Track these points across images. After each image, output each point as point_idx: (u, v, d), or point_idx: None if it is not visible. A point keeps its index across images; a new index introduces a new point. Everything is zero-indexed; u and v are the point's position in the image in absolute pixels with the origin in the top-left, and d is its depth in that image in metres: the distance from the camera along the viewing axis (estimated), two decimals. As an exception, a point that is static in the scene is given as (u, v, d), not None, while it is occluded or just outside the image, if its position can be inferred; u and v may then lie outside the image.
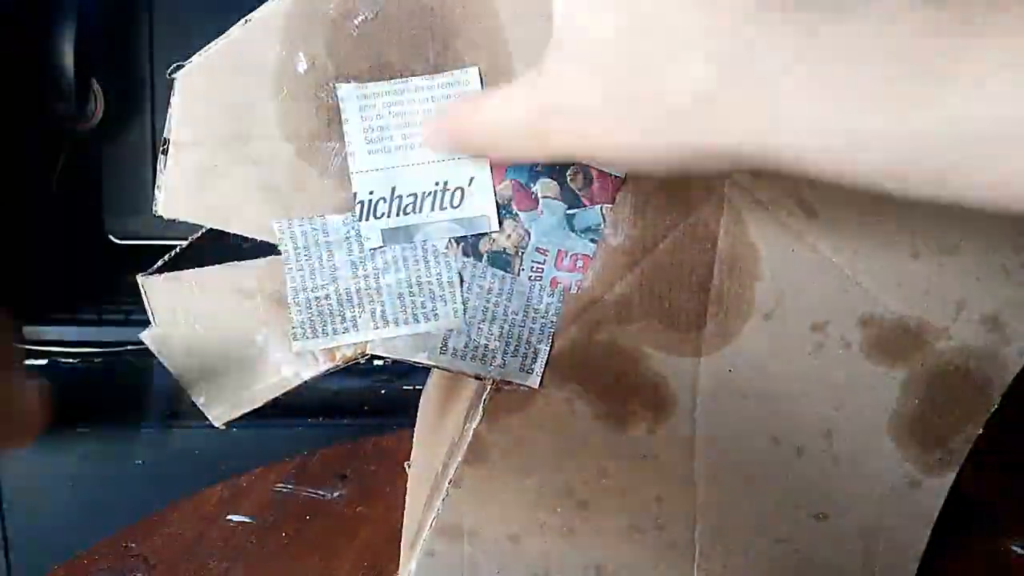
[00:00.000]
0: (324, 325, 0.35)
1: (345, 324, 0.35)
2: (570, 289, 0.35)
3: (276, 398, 0.36)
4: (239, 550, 0.48)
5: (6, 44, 0.82)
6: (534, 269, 0.35)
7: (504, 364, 0.36)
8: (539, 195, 0.34)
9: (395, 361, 0.36)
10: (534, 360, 0.36)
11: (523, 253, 0.34)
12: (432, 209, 0.34)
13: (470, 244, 0.34)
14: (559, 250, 0.34)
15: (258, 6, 0.32)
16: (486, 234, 0.34)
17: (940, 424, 0.37)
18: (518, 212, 0.34)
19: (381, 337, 0.35)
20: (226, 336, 0.35)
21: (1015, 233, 0.34)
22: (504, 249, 0.34)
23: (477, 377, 0.36)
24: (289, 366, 0.35)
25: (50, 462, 0.82)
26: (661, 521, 0.39)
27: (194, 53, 0.32)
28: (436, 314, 0.35)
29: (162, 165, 0.32)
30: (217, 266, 0.35)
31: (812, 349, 0.36)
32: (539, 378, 0.36)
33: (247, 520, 0.51)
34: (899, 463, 0.38)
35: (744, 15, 0.23)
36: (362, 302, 0.35)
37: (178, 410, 0.82)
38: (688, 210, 0.34)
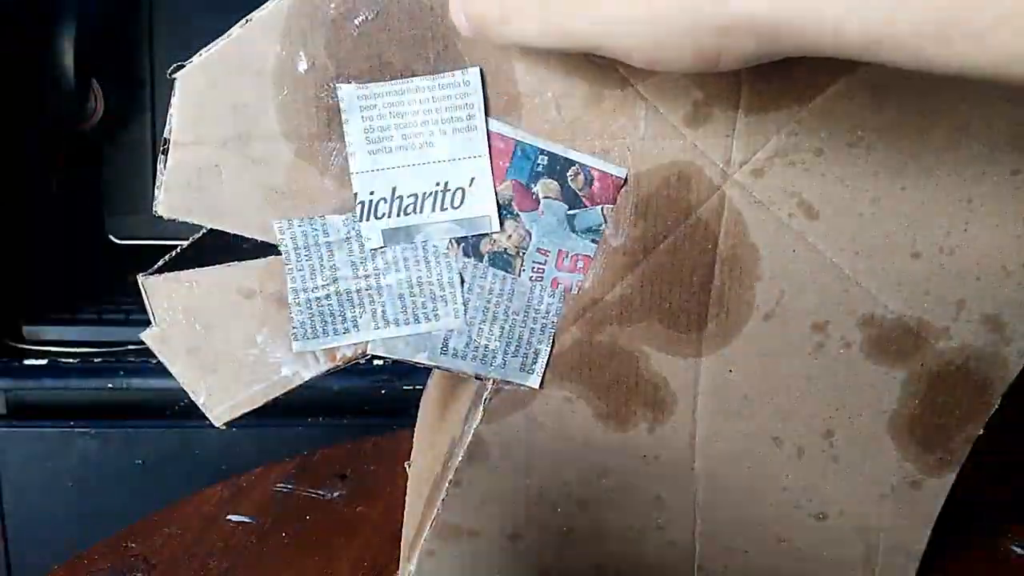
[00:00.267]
0: (324, 325, 0.35)
1: (346, 324, 0.35)
2: (571, 289, 0.35)
3: (276, 398, 0.36)
4: (239, 550, 0.48)
5: (6, 44, 0.82)
6: (535, 270, 0.35)
7: (505, 364, 0.36)
8: (540, 195, 0.34)
9: (395, 361, 0.36)
10: (535, 360, 0.36)
11: (524, 254, 0.34)
12: (433, 209, 0.34)
13: (471, 244, 0.34)
14: (560, 250, 0.34)
15: (258, 6, 0.31)
16: (487, 234, 0.34)
17: (940, 424, 0.37)
18: (519, 212, 0.34)
19: (382, 337, 0.35)
20: (226, 336, 0.35)
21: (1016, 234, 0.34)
22: (505, 250, 0.34)
23: (478, 377, 0.36)
24: (289, 366, 0.35)
25: (50, 462, 0.82)
26: (661, 521, 0.39)
27: (194, 53, 0.32)
28: (437, 314, 0.35)
29: (162, 165, 0.32)
30: (217, 266, 0.35)
31: (812, 349, 0.36)
32: (539, 378, 0.36)
33: (247, 520, 0.51)
34: (899, 463, 0.38)
35: None
36: (363, 302, 0.35)
37: (178, 410, 0.82)
38: (688, 210, 0.34)
